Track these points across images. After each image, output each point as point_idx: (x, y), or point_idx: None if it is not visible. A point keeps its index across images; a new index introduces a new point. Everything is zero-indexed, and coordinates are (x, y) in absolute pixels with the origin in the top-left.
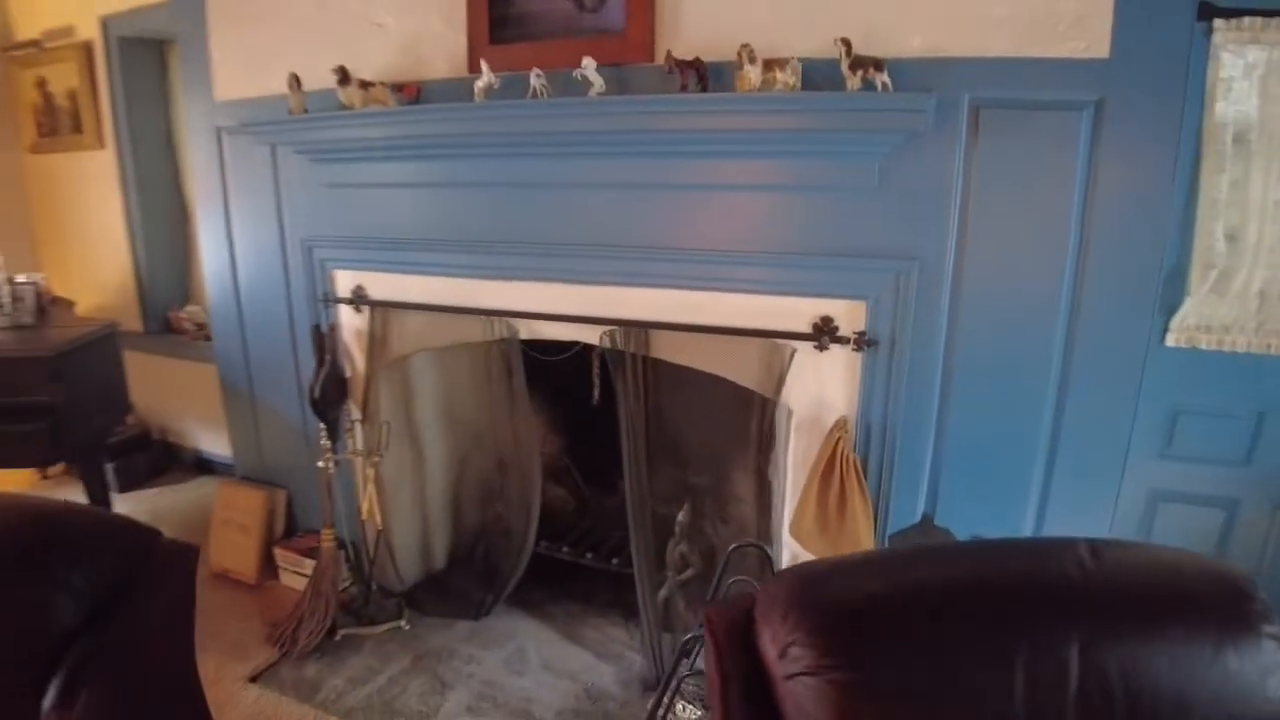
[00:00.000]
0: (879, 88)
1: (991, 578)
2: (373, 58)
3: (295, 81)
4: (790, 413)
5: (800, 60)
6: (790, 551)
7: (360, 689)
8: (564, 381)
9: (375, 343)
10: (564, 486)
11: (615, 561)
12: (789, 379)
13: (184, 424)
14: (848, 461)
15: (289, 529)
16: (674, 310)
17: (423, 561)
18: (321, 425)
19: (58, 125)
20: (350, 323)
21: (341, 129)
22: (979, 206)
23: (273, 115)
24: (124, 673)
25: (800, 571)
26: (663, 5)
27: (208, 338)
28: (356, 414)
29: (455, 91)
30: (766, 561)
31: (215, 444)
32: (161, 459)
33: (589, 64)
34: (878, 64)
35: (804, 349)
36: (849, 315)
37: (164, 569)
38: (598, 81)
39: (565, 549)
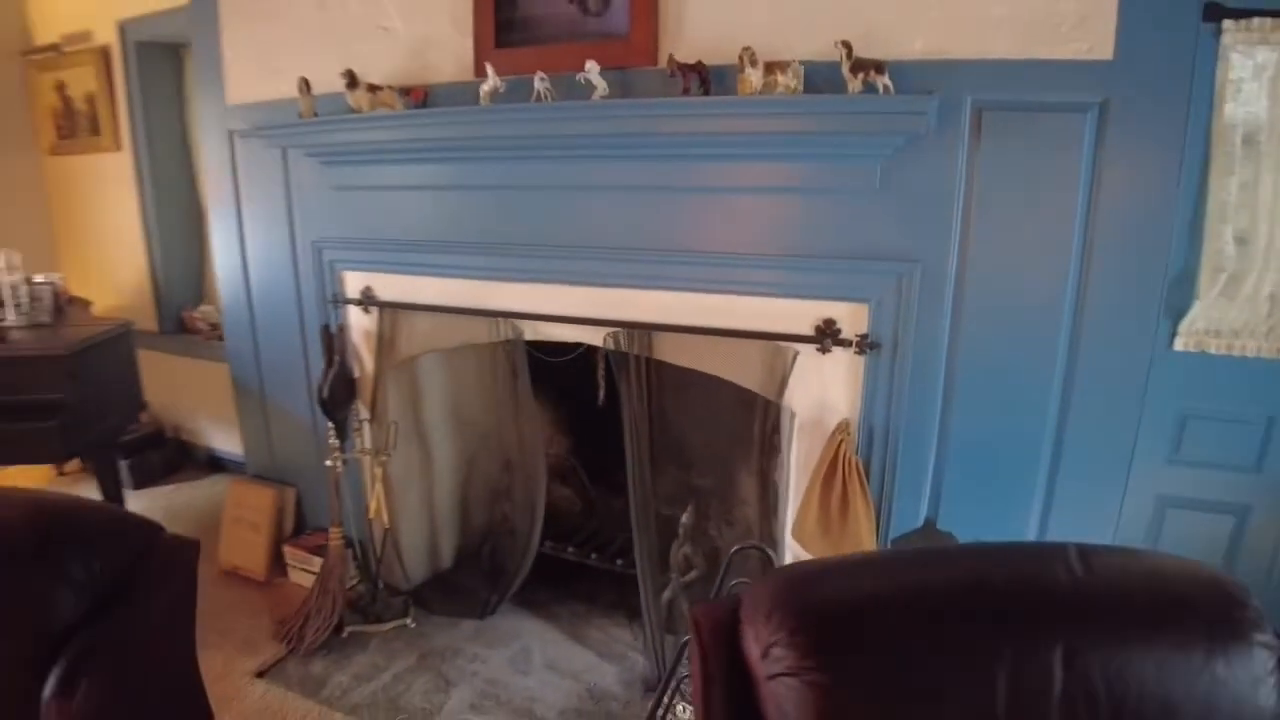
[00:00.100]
0: (880, 90)
1: (978, 582)
2: (381, 62)
3: (305, 85)
4: (793, 415)
5: (802, 63)
6: (793, 554)
7: (365, 685)
8: (572, 383)
9: (383, 343)
10: (571, 487)
11: (620, 563)
12: (791, 381)
13: (197, 422)
14: (850, 464)
15: (298, 527)
16: (676, 312)
17: (430, 560)
18: (330, 425)
19: (76, 128)
20: (359, 323)
21: (349, 132)
22: (982, 209)
23: (283, 118)
24: (124, 664)
25: (787, 573)
26: (666, 9)
27: (221, 337)
28: (365, 414)
29: (462, 95)
30: (769, 564)
31: (228, 442)
32: (175, 457)
33: (592, 67)
34: (878, 66)
35: (806, 351)
36: (851, 318)
37: (166, 563)
38: (600, 85)
39: (571, 550)
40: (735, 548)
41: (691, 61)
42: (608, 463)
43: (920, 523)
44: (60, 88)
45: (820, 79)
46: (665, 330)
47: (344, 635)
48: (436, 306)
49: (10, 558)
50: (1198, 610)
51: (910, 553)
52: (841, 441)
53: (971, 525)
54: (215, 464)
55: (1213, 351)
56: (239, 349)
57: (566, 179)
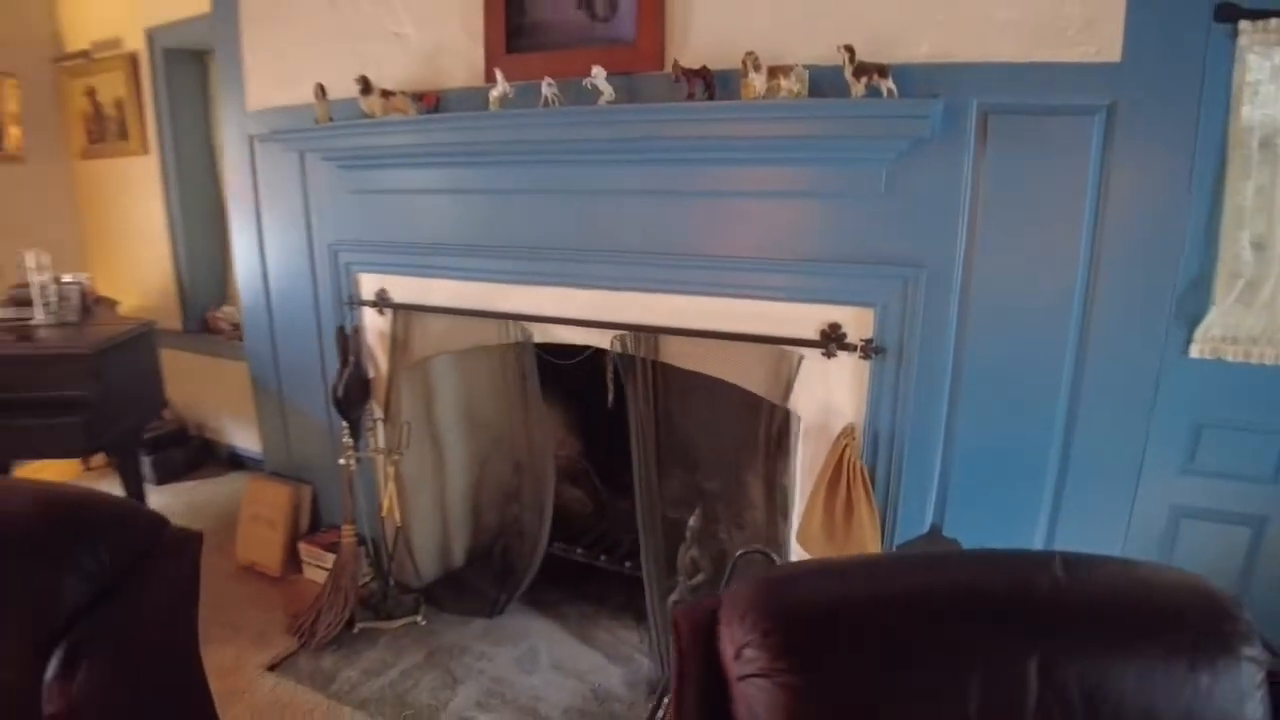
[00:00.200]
0: (884, 94)
1: (957, 588)
2: (394, 68)
3: (320, 91)
4: (799, 419)
5: (806, 67)
6: (799, 559)
7: (374, 681)
8: (582, 385)
9: (397, 345)
10: (582, 489)
11: (629, 565)
12: (796, 386)
13: (219, 420)
14: (854, 469)
15: (314, 524)
16: (683, 315)
17: (442, 559)
18: (345, 424)
19: (105, 132)
20: (374, 325)
21: (363, 137)
22: (988, 213)
23: (301, 123)
24: (125, 649)
25: (768, 574)
26: (673, 15)
27: (242, 338)
28: (379, 413)
29: (473, 100)
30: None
31: (248, 440)
32: (198, 454)
33: (599, 73)
34: (881, 70)
35: (811, 356)
36: (857, 322)
37: (170, 554)
38: (607, 90)
39: (580, 551)
40: (740, 552)
41: (696, 66)
42: (619, 465)
43: (926, 529)
44: (90, 93)
45: (826, 84)
46: (670, 333)
47: (355, 631)
48: (448, 309)
49: (22, 547)
50: (1184, 622)
51: (893, 557)
52: (846, 446)
53: (977, 532)
54: (236, 461)
55: (1229, 359)
56: (258, 349)
57: (574, 183)
